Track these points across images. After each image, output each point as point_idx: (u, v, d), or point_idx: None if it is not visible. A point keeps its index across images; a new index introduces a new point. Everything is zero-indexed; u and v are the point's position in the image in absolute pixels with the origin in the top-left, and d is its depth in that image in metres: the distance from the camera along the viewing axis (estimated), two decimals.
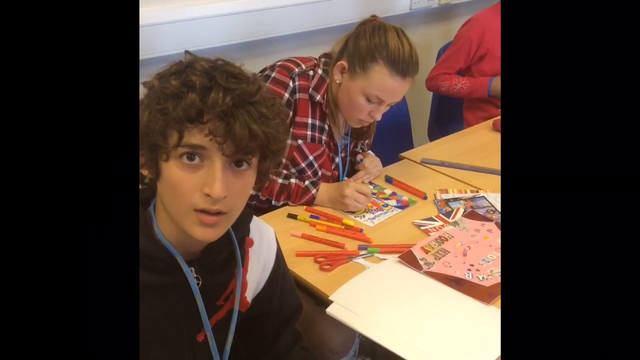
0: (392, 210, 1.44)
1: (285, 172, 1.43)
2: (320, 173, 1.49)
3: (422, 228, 1.36)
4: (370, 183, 1.56)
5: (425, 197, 1.50)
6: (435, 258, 1.23)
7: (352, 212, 1.41)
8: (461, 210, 1.43)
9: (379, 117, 1.42)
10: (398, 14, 2.35)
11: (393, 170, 1.64)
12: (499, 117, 1.95)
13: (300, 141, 1.43)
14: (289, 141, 1.42)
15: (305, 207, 1.42)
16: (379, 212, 1.43)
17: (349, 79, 1.37)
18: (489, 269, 1.20)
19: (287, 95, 1.38)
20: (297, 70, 1.39)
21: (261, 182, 0.82)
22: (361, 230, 1.34)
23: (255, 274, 0.93)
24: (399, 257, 1.23)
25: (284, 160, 1.44)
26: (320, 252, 1.25)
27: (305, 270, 1.19)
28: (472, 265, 1.21)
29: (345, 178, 1.55)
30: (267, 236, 0.96)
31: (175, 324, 0.83)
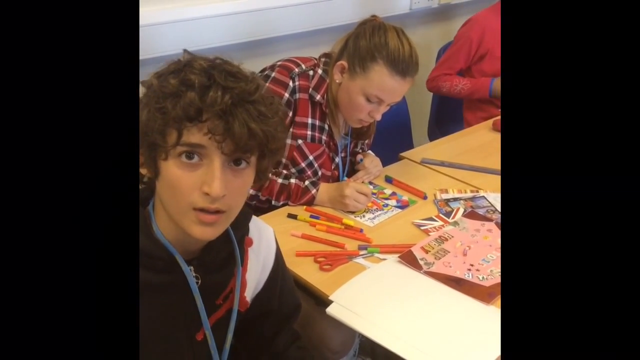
0: (392, 210, 1.44)
1: (285, 172, 1.43)
2: (320, 173, 1.49)
3: (422, 228, 1.36)
4: (370, 183, 1.56)
5: (425, 197, 1.50)
6: (435, 258, 1.23)
7: (352, 212, 1.41)
8: (461, 210, 1.43)
9: (378, 117, 1.42)
10: (398, 14, 2.35)
11: (393, 170, 1.64)
12: (499, 117, 1.95)
13: (300, 141, 1.42)
14: (289, 141, 1.42)
15: (305, 207, 1.42)
16: (379, 212, 1.43)
17: (349, 79, 1.37)
18: (489, 268, 1.20)
19: (287, 95, 1.37)
20: (297, 70, 1.39)
21: (260, 181, 0.82)
22: (361, 230, 1.34)
23: (255, 274, 0.93)
24: (399, 257, 1.23)
25: (284, 160, 1.44)
26: (320, 252, 1.25)
27: (305, 270, 1.19)
28: (472, 265, 1.21)
29: (345, 178, 1.55)
30: (266, 236, 0.96)
31: (175, 323, 0.83)
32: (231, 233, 0.86)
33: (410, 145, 2.11)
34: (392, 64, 1.31)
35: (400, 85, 1.34)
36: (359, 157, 1.60)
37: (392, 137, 1.96)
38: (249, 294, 0.93)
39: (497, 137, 1.86)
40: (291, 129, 1.41)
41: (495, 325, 0.99)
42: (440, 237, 1.31)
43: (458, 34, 2.15)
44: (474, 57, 2.10)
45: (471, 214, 1.41)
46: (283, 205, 1.42)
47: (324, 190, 1.42)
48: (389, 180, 1.58)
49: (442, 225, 1.36)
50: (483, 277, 1.17)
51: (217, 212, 0.74)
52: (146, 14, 1.62)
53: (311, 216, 1.39)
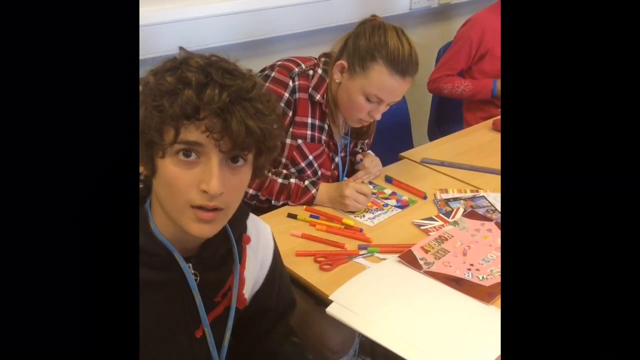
0: (392, 210, 1.44)
1: (285, 172, 1.43)
2: (320, 173, 1.48)
3: (422, 228, 1.36)
4: (370, 183, 1.56)
5: (425, 197, 1.49)
6: (435, 258, 1.23)
7: (352, 212, 1.41)
8: (461, 210, 1.42)
9: (378, 117, 1.41)
10: (398, 14, 2.35)
11: (393, 170, 1.64)
12: (499, 117, 1.95)
13: (300, 141, 1.42)
14: (289, 141, 1.42)
15: (305, 206, 1.42)
16: (379, 212, 1.42)
17: (349, 79, 1.37)
18: (488, 268, 1.20)
19: (286, 94, 1.37)
20: (296, 69, 1.39)
21: (256, 178, 0.82)
22: (361, 230, 1.34)
23: (253, 271, 0.93)
24: (398, 256, 1.23)
25: (283, 160, 1.44)
26: (320, 252, 1.24)
27: (305, 270, 1.19)
28: (472, 264, 1.21)
29: (345, 178, 1.54)
30: (264, 234, 0.96)
31: (174, 320, 0.83)
32: (229, 230, 0.86)
33: (410, 145, 2.10)
34: (392, 63, 1.31)
35: (400, 84, 1.34)
36: (359, 156, 1.60)
37: (392, 137, 1.96)
38: (247, 292, 0.93)
39: (497, 137, 1.86)
40: (291, 129, 1.41)
41: (495, 325, 0.99)
42: (440, 236, 1.31)
43: (458, 34, 2.15)
44: (475, 57, 2.10)
45: (471, 214, 1.41)
46: (283, 205, 1.42)
47: (324, 190, 1.42)
48: (388, 180, 1.58)
49: (442, 225, 1.36)
50: (483, 277, 1.17)
51: (215, 209, 0.74)
52: (146, 14, 1.62)
53: (311, 216, 1.38)
